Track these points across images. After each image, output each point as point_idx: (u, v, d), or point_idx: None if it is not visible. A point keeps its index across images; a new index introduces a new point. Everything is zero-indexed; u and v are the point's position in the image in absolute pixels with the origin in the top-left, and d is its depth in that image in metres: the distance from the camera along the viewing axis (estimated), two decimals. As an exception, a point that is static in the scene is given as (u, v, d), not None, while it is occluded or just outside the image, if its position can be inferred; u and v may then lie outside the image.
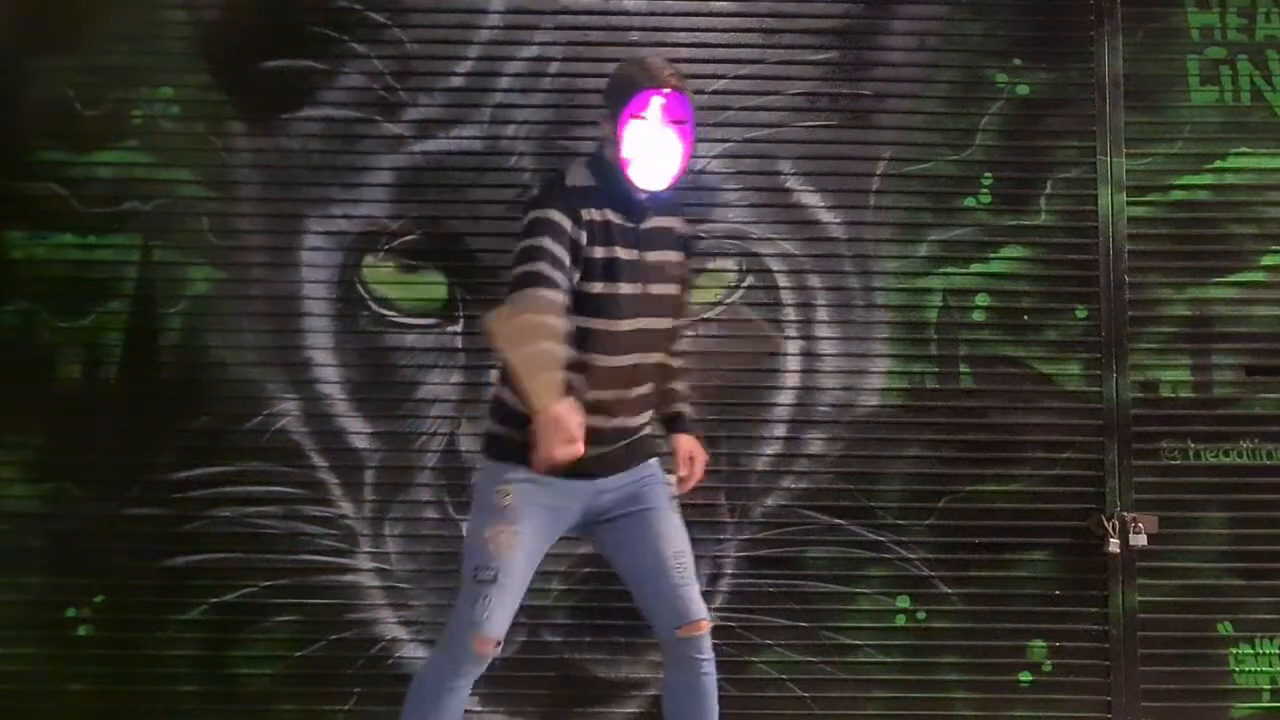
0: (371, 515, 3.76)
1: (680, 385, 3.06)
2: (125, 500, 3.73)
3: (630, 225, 2.81)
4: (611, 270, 2.75)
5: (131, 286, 3.81)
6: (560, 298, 2.67)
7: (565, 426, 2.55)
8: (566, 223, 2.71)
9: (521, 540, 2.75)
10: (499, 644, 2.76)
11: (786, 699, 3.74)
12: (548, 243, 2.69)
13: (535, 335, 2.61)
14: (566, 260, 2.69)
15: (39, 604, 3.72)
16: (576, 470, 2.72)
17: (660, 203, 2.86)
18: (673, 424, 3.03)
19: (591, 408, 2.72)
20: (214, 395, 3.78)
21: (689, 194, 3.80)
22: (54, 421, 3.75)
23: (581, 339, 2.73)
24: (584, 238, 2.72)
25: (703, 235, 3.83)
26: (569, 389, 2.64)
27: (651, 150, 2.78)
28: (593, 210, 2.76)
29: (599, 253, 2.75)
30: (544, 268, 2.66)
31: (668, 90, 2.78)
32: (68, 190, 3.82)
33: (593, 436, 2.70)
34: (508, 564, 2.73)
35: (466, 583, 2.76)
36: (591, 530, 2.92)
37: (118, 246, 3.82)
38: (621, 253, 2.77)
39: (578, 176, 2.83)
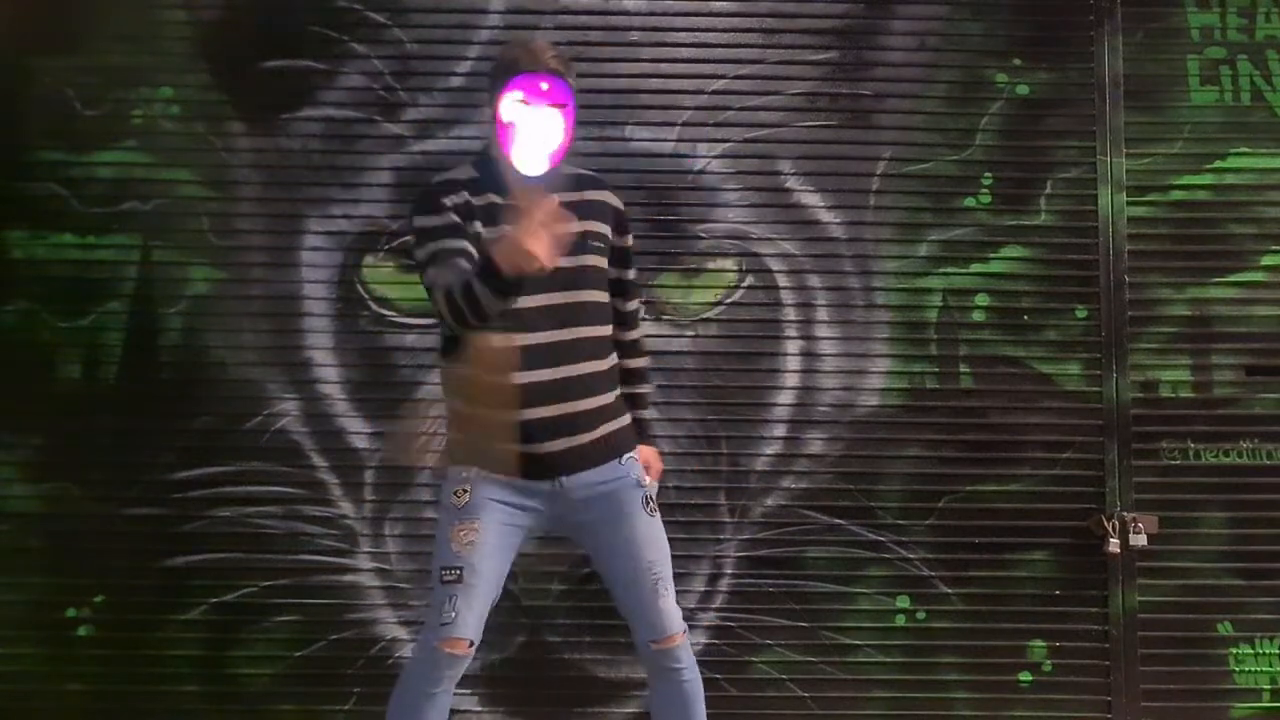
0: (371, 515, 3.76)
1: (644, 388, 3.02)
2: (125, 500, 3.73)
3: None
4: None
5: (131, 286, 3.81)
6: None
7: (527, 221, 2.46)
8: (439, 218, 2.72)
9: (483, 536, 2.72)
10: (472, 644, 2.72)
11: (786, 699, 3.74)
12: (442, 243, 2.70)
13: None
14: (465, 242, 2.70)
15: (39, 604, 3.72)
16: (532, 471, 2.72)
17: (560, 181, 2.80)
18: (640, 411, 2.98)
19: (525, 398, 2.70)
20: (214, 395, 3.78)
21: (694, 193, 3.82)
22: (54, 421, 3.76)
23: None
24: (454, 218, 2.72)
25: (702, 235, 3.83)
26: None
27: (528, 133, 2.76)
28: (467, 195, 2.75)
29: (482, 230, 2.72)
30: (448, 243, 2.68)
31: (546, 73, 2.76)
32: (68, 190, 3.82)
33: (537, 430, 2.70)
34: (471, 562, 2.70)
35: (435, 585, 2.74)
36: (574, 530, 2.89)
37: (118, 246, 3.82)
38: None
39: (454, 173, 2.84)
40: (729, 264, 3.84)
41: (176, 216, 3.83)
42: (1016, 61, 3.92)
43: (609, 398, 2.84)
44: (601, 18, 3.91)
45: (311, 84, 3.85)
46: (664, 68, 3.89)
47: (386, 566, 3.74)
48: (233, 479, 3.74)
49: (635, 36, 3.90)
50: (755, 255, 3.85)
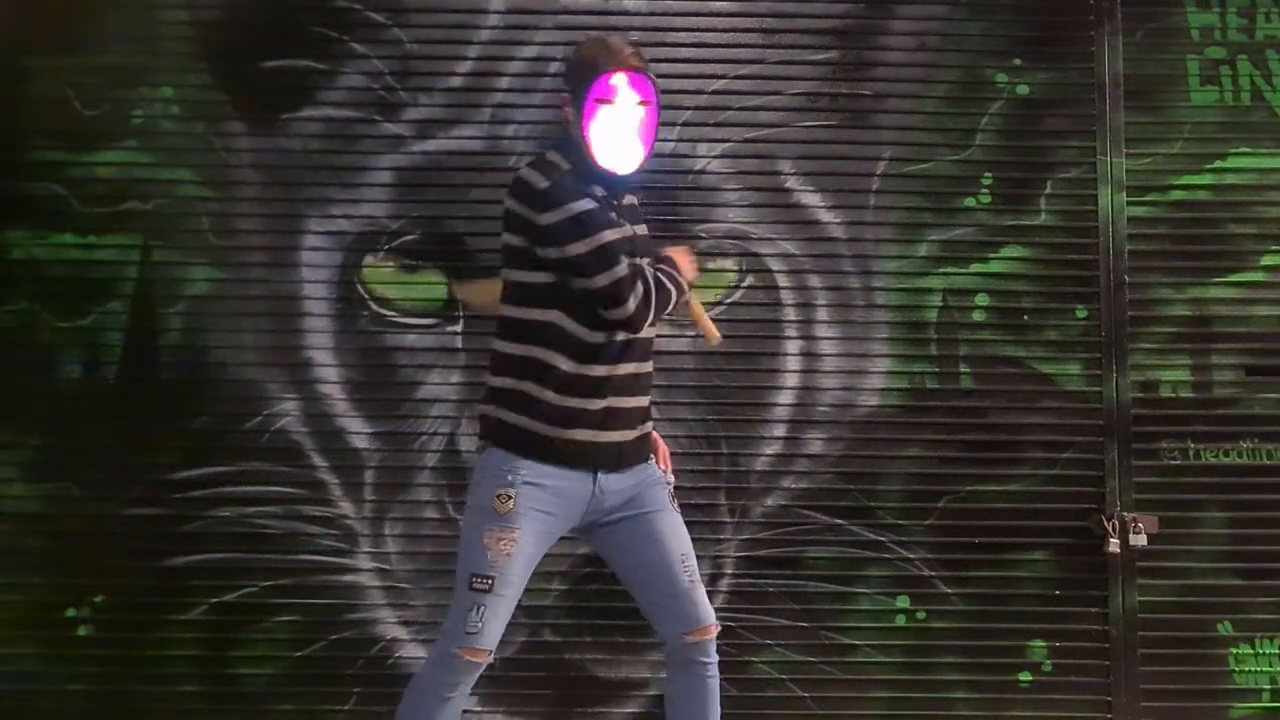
0: (371, 515, 3.76)
1: None
2: (125, 500, 3.73)
3: (610, 204, 2.80)
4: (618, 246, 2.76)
5: (131, 286, 3.81)
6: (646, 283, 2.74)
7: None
8: (594, 204, 2.72)
9: (521, 548, 2.70)
10: (491, 653, 2.74)
11: (786, 699, 3.74)
12: (609, 235, 2.70)
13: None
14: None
15: (39, 604, 3.72)
16: (580, 460, 2.73)
17: (630, 185, 2.84)
18: None
19: (615, 387, 2.75)
20: (214, 395, 3.78)
21: (694, 193, 3.82)
22: (54, 421, 3.76)
23: (589, 318, 2.73)
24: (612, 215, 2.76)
25: (702, 235, 3.83)
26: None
27: (618, 134, 2.75)
28: (594, 188, 2.76)
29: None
30: (623, 268, 2.69)
31: (631, 71, 2.75)
32: (68, 190, 3.82)
33: (612, 418, 2.74)
34: (505, 572, 2.68)
35: (461, 588, 2.71)
36: (593, 533, 2.89)
37: (118, 246, 3.82)
38: (621, 232, 2.78)
39: (558, 163, 2.78)
40: (729, 264, 3.84)
41: (176, 216, 3.83)
42: (1016, 61, 3.92)
43: (649, 399, 2.91)
44: (601, 18, 3.91)
45: (311, 84, 3.85)
46: (664, 68, 3.88)
47: (386, 566, 3.74)
48: (233, 479, 3.74)
49: (635, 36, 3.90)
50: (755, 255, 3.85)
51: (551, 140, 2.90)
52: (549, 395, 2.72)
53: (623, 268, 2.68)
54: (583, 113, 2.74)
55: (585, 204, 2.71)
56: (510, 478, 2.71)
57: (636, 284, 2.69)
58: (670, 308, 2.80)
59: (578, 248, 2.68)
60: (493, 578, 2.67)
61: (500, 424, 2.77)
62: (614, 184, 2.80)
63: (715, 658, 2.84)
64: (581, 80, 2.76)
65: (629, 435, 2.81)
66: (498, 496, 2.70)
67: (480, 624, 2.67)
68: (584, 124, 2.74)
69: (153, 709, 3.71)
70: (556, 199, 2.70)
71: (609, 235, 2.70)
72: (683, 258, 2.88)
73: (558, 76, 3.84)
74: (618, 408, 2.77)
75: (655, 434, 2.98)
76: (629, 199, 2.91)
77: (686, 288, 2.86)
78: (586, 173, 2.77)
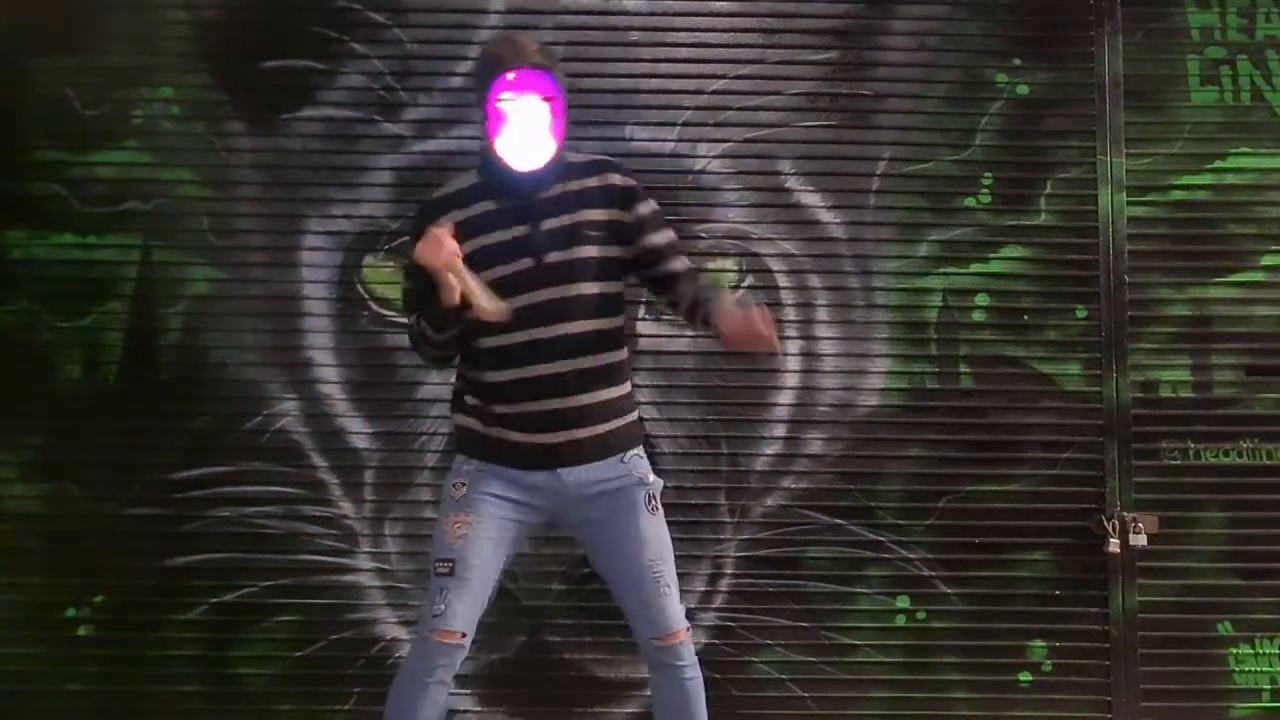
0: (371, 515, 3.76)
1: (698, 287, 2.87)
2: (125, 500, 3.72)
3: (516, 204, 2.76)
4: (486, 256, 2.73)
5: (131, 286, 3.81)
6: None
7: (433, 240, 2.67)
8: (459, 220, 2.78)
9: (476, 530, 2.72)
10: (464, 636, 2.71)
11: (786, 699, 3.74)
12: (409, 283, 2.85)
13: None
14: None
15: (39, 604, 3.72)
16: (529, 461, 2.73)
17: (558, 172, 2.79)
18: (703, 306, 2.79)
19: (516, 392, 2.73)
20: (214, 395, 3.78)
21: (694, 193, 3.82)
22: (54, 421, 3.76)
23: (483, 330, 2.72)
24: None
25: (702, 235, 3.83)
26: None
27: (519, 131, 2.74)
28: (454, 214, 2.77)
29: (468, 248, 2.71)
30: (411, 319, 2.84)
31: (531, 67, 2.74)
32: (68, 190, 3.82)
33: (530, 422, 2.72)
34: (464, 556, 2.71)
35: (430, 576, 2.77)
36: (573, 530, 2.89)
37: (118, 246, 3.82)
38: (496, 236, 2.75)
39: (454, 183, 2.88)
40: (729, 264, 3.84)
41: (176, 216, 3.83)
42: (1016, 61, 3.92)
43: (611, 393, 2.81)
44: (601, 18, 3.91)
45: (311, 84, 3.85)
46: (664, 68, 3.89)
47: (386, 566, 3.74)
48: (233, 479, 3.74)
49: (635, 36, 3.90)
50: (755, 255, 3.85)
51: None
52: (478, 400, 2.79)
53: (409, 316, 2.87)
54: (485, 112, 2.76)
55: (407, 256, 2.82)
56: (465, 468, 2.79)
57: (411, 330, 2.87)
58: (432, 331, 2.79)
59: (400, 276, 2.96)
60: (452, 561, 2.71)
61: (455, 426, 2.88)
62: (522, 184, 2.78)
63: (692, 659, 2.81)
64: (485, 79, 2.77)
65: (578, 434, 2.76)
66: (454, 485, 2.79)
67: (444, 606, 2.70)
68: (488, 122, 2.76)
69: (153, 709, 3.71)
70: (413, 223, 2.88)
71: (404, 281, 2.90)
72: (426, 248, 2.68)
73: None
74: (551, 409, 2.74)
75: (727, 299, 2.74)
76: (570, 185, 2.80)
77: (432, 302, 2.73)
78: (491, 176, 2.81)
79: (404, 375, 3.79)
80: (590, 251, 2.79)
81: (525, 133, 2.75)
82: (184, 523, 3.72)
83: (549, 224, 2.77)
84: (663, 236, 2.89)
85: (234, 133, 3.85)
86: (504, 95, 2.74)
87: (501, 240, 2.76)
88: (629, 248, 2.83)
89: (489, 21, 3.88)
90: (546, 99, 2.75)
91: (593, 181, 2.84)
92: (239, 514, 3.73)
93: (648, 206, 2.88)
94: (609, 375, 2.81)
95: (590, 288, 2.78)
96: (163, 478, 3.73)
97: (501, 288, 2.71)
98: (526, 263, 2.75)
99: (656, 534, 2.81)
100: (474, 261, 2.70)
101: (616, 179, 2.86)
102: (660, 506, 2.85)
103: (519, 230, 2.76)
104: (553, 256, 2.76)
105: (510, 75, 2.73)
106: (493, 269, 2.73)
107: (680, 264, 2.90)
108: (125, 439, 3.75)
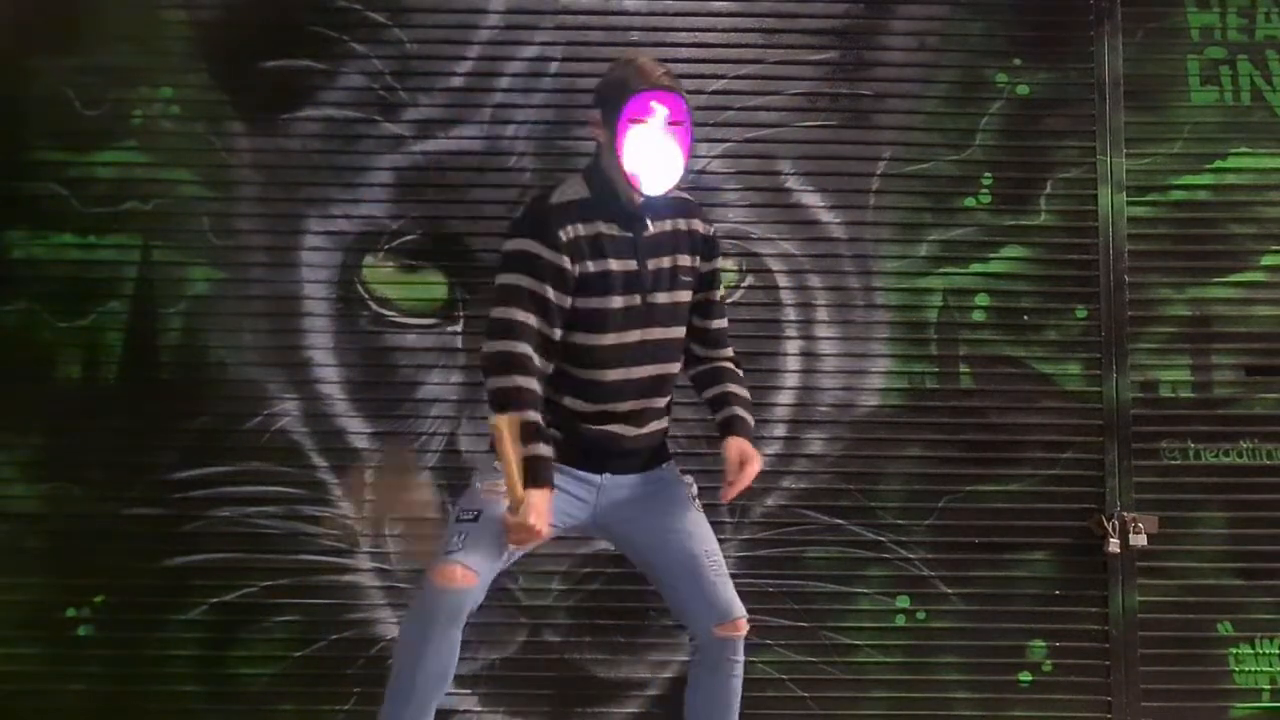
0: (371, 515, 3.76)
1: (736, 388, 2.92)
2: (125, 500, 3.73)
3: (626, 235, 2.74)
4: (605, 283, 2.70)
5: (131, 286, 3.81)
6: (529, 349, 2.64)
7: (533, 526, 2.56)
8: (545, 251, 2.67)
9: None
10: (467, 570, 2.61)
11: (786, 699, 3.74)
12: (525, 280, 2.66)
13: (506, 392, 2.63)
14: (548, 293, 2.66)
15: (39, 604, 3.72)
16: (588, 463, 2.73)
17: (658, 208, 2.79)
18: (726, 427, 2.86)
19: (595, 417, 2.72)
20: (214, 395, 3.78)
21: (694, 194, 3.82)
22: (54, 421, 3.76)
23: (580, 355, 2.71)
24: (567, 261, 2.67)
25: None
26: (536, 431, 2.62)
27: (652, 155, 2.71)
28: (578, 226, 2.70)
29: (590, 267, 2.69)
30: (518, 314, 2.65)
31: (663, 92, 2.72)
32: (68, 190, 3.82)
33: (614, 444, 2.73)
34: (493, 511, 2.64)
35: (449, 528, 2.70)
36: (613, 531, 2.86)
37: (118, 246, 3.82)
38: (615, 265, 2.71)
39: (567, 192, 2.77)
40: (729, 264, 3.83)
41: (176, 216, 3.83)
42: (1016, 61, 3.92)
43: (666, 422, 2.87)
44: (601, 18, 3.91)
45: (311, 84, 3.85)
46: (664, 68, 3.89)
47: (386, 566, 3.74)
48: (233, 479, 3.74)
49: (635, 36, 3.90)
50: (755, 255, 3.85)
51: (584, 168, 2.84)
52: (551, 415, 2.73)
53: (493, 343, 2.66)
54: (616, 133, 2.71)
55: (528, 244, 2.68)
56: None
57: (492, 364, 2.66)
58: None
59: (499, 278, 2.72)
60: (479, 510, 2.67)
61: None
62: (636, 210, 2.76)
63: (743, 658, 2.79)
64: (613, 100, 2.72)
65: (631, 451, 2.78)
66: (495, 465, 2.70)
67: (460, 545, 2.63)
68: (617, 144, 2.71)
69: (153, 709, 3.71)
70: (514, 229, 2.76)
71: (519, 280, 2.67)
72: (532, 528, 2.59)
73: (559, 76, 3.86)
74: (619, 433, 2.76)
75: (741, 445, 2.83)
76: (665, 226, 2.80)
77: (503, 440, 2.60)
78: (605, 193, 2.75)
79: (404, 375, 3.79)
80: (684, 296, 2.83)
81: (657, 155, 2.72)
82: (184, 523, 3.72)
83: (652, 263, 2.77)
84: (719, 293, 2.96)
85: (234, 133, 3.85)
86: (639, 116, 2.70)
87: (622, 270, 2.72)
88: (695, 294, 2.87)
89: (489, 21, 3.88)
90: (677, 124, 2.74)
91: (683, 225, 2.85)
92: (239, 514, 3.73)
93: (720, 261, 2.95)
94: (669, 408, 2.89)
95: (681, 331, 2.84)
96: (163, 478, 3.73)
97: (614, 318, 2.71)
98: (636, 299, 2.74)
99: (705, 527, 2.84)
100: (592, 285, 2.69)
101: (700, 227, 2.88)
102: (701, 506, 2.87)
103: (632, 264, 2.74)
104: (659, 297, 2.76)
105: (649, 98, 2.71)
106: (607, 297, 2.70)
107: (721, 322, 2.96)
108: (125, 439, 3.75)
